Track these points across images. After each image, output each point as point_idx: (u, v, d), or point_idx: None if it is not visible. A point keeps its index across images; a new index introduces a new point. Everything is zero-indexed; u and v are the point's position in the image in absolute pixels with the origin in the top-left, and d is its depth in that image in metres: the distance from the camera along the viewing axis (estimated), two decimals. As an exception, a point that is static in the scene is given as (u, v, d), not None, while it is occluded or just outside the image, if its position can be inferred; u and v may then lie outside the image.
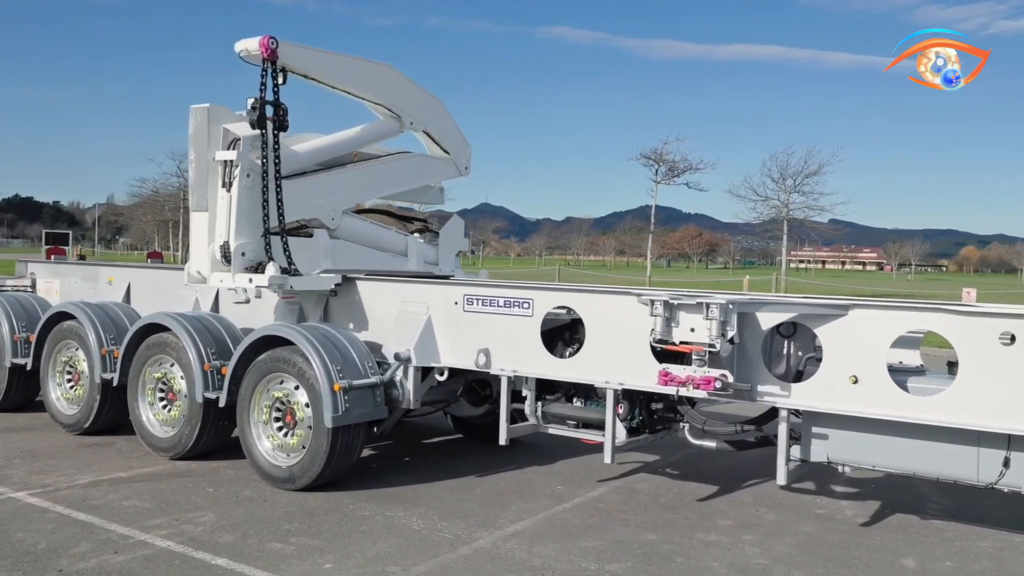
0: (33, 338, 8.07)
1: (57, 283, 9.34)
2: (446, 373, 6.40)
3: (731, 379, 4.89)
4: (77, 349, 7.75)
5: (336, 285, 6.78)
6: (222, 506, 5.76)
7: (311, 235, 7.13)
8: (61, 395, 7.88)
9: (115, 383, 7.26)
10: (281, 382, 6.27)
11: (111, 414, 7.61)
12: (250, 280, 6.37)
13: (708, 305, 4.85)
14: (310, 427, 6.07)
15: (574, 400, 6.19)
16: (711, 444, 5.75)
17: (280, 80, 6.54)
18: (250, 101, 6.92)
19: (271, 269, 6.32)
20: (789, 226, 38.71)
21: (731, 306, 4.87)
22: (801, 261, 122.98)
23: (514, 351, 6.00)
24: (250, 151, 6.54)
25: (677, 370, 5.01)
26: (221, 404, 6.49)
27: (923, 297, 37.49)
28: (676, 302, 5.01)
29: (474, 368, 6.14)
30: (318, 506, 5.82)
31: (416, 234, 8.36)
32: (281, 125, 6.54)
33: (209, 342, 6.76)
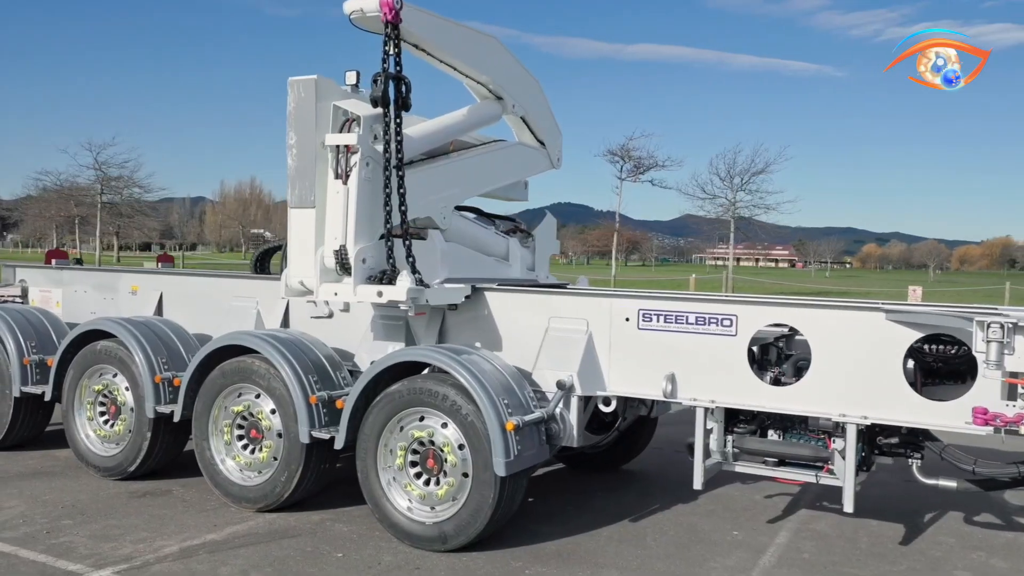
0: (52, 362, 6.61)
1: (58, 293, 7.83)
2: (613, 403, 5.36)
3: (1071, 417, 4.03)
4: (116, 376, 6.34)
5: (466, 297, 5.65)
6: (372, 580, 4.58)
7: (424, 237, 5.96)
8: (93, 432, 6.45)
9: (177, 418, 5.92)
10: (422, 418, 5.10)
11: (162, 455, 6.27)
12: (379, 293, 5.17)
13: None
14: (465, 474, 4.94)
15: (768, 433, 5.25)
16: (950, 484, 4.89)
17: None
18: (350, 75, 5.79)
19: (406, 280, 5.14)
20: (735, 224, 38.77)
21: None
22: (716, 258, 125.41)
23: (712, 377, 5.01)
24: (369, 135, 5.35)
25: (999, 407, 4.12)
26: (338, 446, 5.27)
27: (868, 295, 38.17)
28: (1020, 323, 4.09)
29: (660, 398, 5.13)
30: (486, 574, 4.70)
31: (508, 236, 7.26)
32: (405, 104, 5.37)
33: (310, 369, 5.53)
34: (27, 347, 6.80)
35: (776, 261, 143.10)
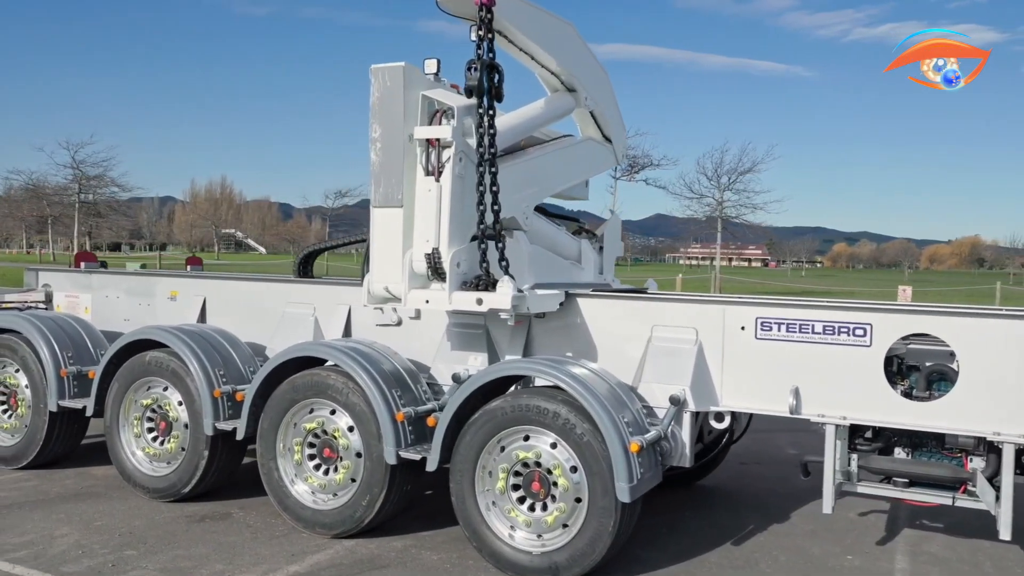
0: (94, 374, 6.08)
1: (87, 298, 7.30)
2: (727, 419, 4.97)
3: None
4: (167, 389, 5.83)
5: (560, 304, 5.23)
6: (489, 619, 4.15)
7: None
8: (141, 450, 5.93)
9: (240, 436, 5.43)
10: (526, 438, 4.67)
11: (218, 474, 5.78)
12: (479, 301, 4.73)
13: None
14: (579, 500, 4.52)
15: (895, 450, 4.89)
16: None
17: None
18: (429, 64, 5.34)
19: (508, 286, 4.71)
20: (723, 224, 38.73)
21: None
22: (690, 258, 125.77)
23: (842, 391, 4.63)
24: (460, 127, 4.92)
25: None
26: (431, 467, 4.82)
27: (853, 295, 38.20)
28: None
29: (785, 413, 4.74)
30: (610, 609, 4.30)
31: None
32: (498, 94, 4.94)
33: (392, 382, 5.08)
34: (64, 358, 6.27)
35: (749, 260, 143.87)
